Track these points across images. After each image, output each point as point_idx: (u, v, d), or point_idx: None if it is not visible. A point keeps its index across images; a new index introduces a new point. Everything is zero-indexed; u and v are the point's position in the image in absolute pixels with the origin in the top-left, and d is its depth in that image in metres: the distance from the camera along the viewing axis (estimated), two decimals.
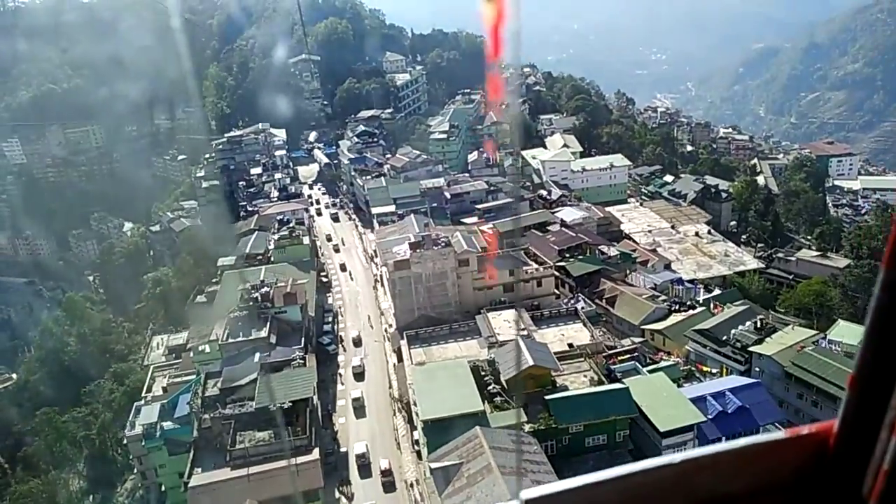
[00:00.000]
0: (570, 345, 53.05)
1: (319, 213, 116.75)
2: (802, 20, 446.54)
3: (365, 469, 51.96)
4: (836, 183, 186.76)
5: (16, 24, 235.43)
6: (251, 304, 61.30)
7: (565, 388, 46.10)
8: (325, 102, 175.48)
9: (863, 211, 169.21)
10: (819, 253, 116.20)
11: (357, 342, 71.37)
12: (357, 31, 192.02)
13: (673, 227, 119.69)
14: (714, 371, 56.55)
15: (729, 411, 43.94)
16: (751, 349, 56.58)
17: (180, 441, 50.69)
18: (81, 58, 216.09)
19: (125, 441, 58.91)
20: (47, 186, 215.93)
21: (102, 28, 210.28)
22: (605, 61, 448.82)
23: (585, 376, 47.87)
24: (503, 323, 56.35)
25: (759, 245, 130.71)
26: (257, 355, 54.31)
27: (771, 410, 46.79)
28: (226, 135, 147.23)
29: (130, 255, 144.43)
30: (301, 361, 54.94)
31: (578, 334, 55.46)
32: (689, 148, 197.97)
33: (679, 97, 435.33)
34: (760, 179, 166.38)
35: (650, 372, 50.85)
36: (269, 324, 59.67)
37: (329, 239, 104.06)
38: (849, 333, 71.46)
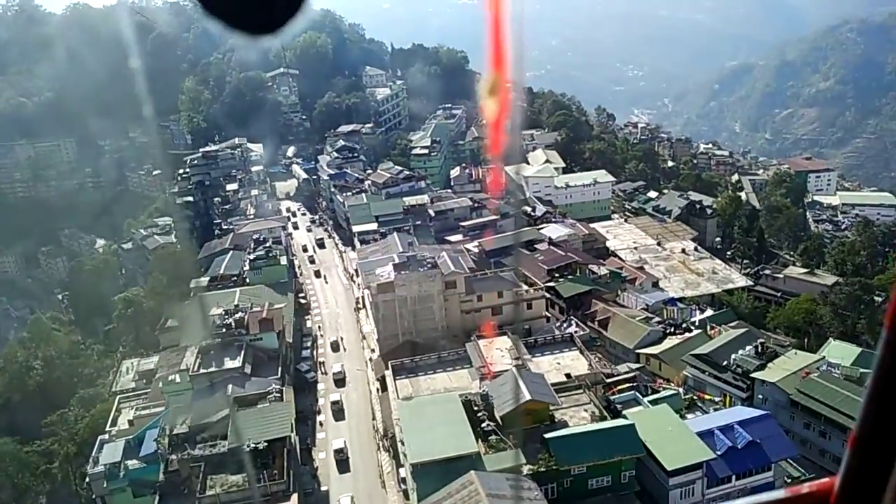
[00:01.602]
0: (568, 375, 49.86)
1: (297, 229, 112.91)
2: (774, 39, 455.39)
3: None
4: (816, 198, 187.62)
5: None
6: (224, 331, 57.43)
7: (565, 424, 42.92)
8: (304, 117, 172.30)
9: (843, 226, 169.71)
10: (806, 270, 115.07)
11: (339, 378, 66.94)
12: (336, 46, 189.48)
13: (659, 243, 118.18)
14: (717, 399, 53.84)
15: (739, 446, 41.11)
16: (753, 375, 54.02)
17: (146, 482, 46.54)
18: (54, 71, 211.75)
19: (87, 479, 54.48)
20: (16, 202, 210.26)
21: (76, 41, 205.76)
22: (583, 77, 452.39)
23: (586, 410, 44.70)
24: (495, 351, 53.06)
25: (745, 261, 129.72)
26: (230, 388, 50.43)
27: (783, 445, 44.01)
28: (201, 150, 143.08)
29: (101, 274, 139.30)
30: (278, 395, 51.08)
31: (575, 363, 52.32)
32: (671, 163, 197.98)
33: (656, 113, 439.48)
34: (742, 195, 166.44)
35: (651, 402, 47.96)
36: (243, 352, 55.74)
37: (311, 261, 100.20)
38: (842, 353, 69.57)
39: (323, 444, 56.81)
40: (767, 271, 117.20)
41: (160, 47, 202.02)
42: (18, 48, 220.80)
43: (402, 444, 42.02)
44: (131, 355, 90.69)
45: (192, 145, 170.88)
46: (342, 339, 73.98)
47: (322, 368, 68.67)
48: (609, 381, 51.10)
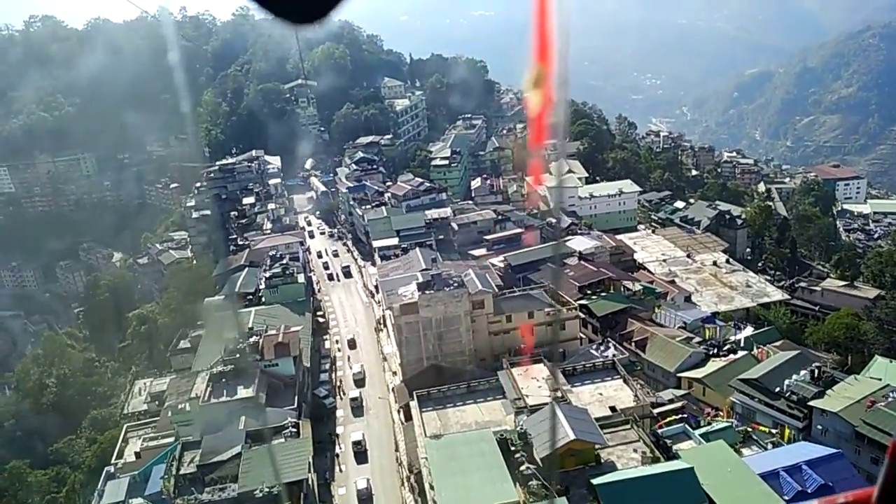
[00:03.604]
0: (613, 408, 45.56)
1: (318, 254, 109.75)
2: (794, 46, 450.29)
3: None
4: (845, 206, 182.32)
5: (7, 52, 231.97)
6: (238, 356, 53.90)
7: (613, 466, 38.65)
8: (322, 129, 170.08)
9: (875, 235, 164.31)
10: (845, 283, 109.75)
11: (357, 406, 63.03)
12: (354, 57, 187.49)
13: (689, 255, 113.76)
14: (774, 431, 49.26)
15: (809, 490, 36.64)
16: (811, 404, 49.41)
17: None
18: (74, 85, 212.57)
19: None
20: (35, 216, 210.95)
21: (95, 55, 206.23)
22: (600, 86, 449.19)
23: (635, 450, 40.37)
24: (530, 381, 48.91)
25: (777, 273, 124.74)
26: (243, 420, 46.80)
27: (858, 488, 39.27)
28: (218, 162, 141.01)
29: (116, 289, 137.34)
30: (294, 430, 47.29)
31: (619, 393, 47.97)
32: (694, 172, 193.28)
33: (675, 122, 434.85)
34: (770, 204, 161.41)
35: (703, 436, 43.56)
36: (257, 380, 52.19)
37: (330, 278, 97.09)
38: (887, 370, 64.69)
39: (342, 477, 52.96)
40: (803, 284, 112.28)
41: (180, 60, 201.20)
42: (40, 63, 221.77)
43: (432, 489, 37.98)
44: (144, 375, 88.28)
45: (209, 158, 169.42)
46: (363, 366, 70.01)
47: (341, 393, 64.86)
48: (656, 411, 46.72)
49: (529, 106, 4.13)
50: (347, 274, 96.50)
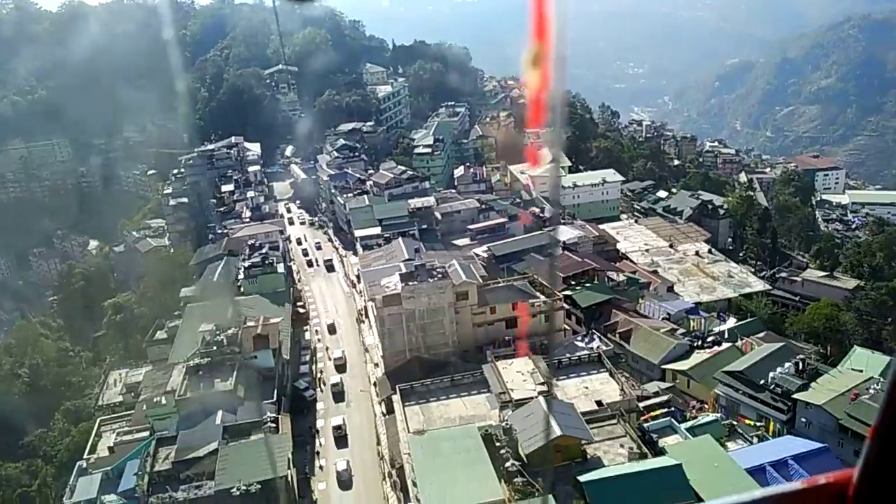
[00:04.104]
0: (599, 402, 44.94)
1: (298, 241, 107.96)
2: (775, 36, 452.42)
3: None
4: (824, 197, 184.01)
5: None
6: (215, 349, 52.46)
7: (599, 462, 38.06)
8: (303, 115, 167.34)
9: (853, 226, 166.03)
10: (825, 273, 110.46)
11: (338, 394, 62.04)
12: (336, 42, 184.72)
13: (671, 245, 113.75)
14: (759, 424, 48.99)
15: None
16: (795, 397, 49.22)
17: None
18: (48, 69, 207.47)
19: None
20: (8, 202, 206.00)
21: (71, 39, 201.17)
22: (583, 75, 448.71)
23: (622, 445, 39.79)
24: (515, 374, 48.09)
25: (758, 263, 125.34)
26: (220, 414, 45.51)
27: None
28: (196, 149, 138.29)
29: (92, 277, 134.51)
30: (273, 425, 46.10)
31: (605, 387, 47.34)
32: (676, 162, 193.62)
33: (656, 111, 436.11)
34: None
35: (688, 430, 43.13)
36: (235, 373, 50.86)
37: (309, 264, 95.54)
38: (866, 361, 64.92)
39: (323, 471, 51.89)
40: (784, 274, 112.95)
41: (157, 44, 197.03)
42: (13, 46, 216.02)
43: (415, 486, 37.11)
44: (119, 366, 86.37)
45: (188, 144, 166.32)
46: (344, 351, 69.09)
47: (321, 386, 63.71)
48: (642, 404, 46.14)
49: (527, 86, 3.97)
50: (330, 268, 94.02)
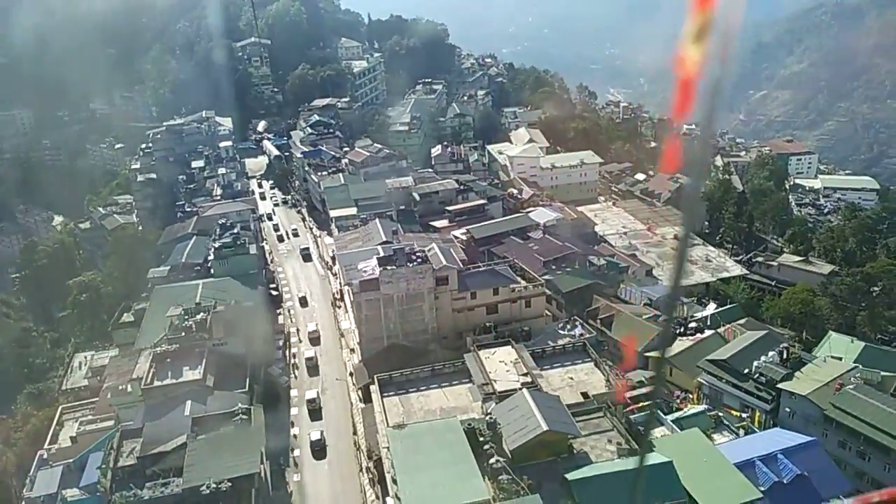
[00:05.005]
0: (585, 394, 43.65)
1: (270, 217, 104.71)
2: (749, 19, 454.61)
3: None
4: (797, 181, 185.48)
5: None
6: (183, 334, 50.01)
7: (586, 457, 36.73)
8: (276, 89, 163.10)
9: (825, 210, 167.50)
10: (801, 258, 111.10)
11: (313, 402, 58.50)
12: (311, 16, 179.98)
13: (649, 228, 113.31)
14: (744, 416, 48.31)
15: (785, 481, 35.57)
16: (780, 386, 48.60)
17: None
18: (7, 36, 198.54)
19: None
20: None
21: (33, 5, 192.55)
22: (560, 55, 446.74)
23: (610, 441, 38.53)
24: (499, 364, 46.52)
25: (734, 247, 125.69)
26: (189, 405, 43.29)
27: (834, 478, 38.49)
28: (165, 123, 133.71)
29: (56, 255, 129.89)
30: (245, 416, 43.98)
31: (590, 377, 46.06)
32: (653, 144, 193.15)
33: (632, 92, 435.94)
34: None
35: (675, 422, 42.14)
36: (205, 360, 48.48)
37: (279, 239, 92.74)
38: (843, 347, 64.94)
39: (297, 460, 50.03)
40: (760, 259, 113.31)
41: (125, 13, 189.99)
42: None
43: (395, 483, 35.49)
44: (85, 347, 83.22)
45: (157, 118, 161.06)
46: (317, 325, 67.46)
47: (295, 372, 61.63)
48: (628, 395, 45.02)
49: (683, 65, 3.39)
50: (307, 258, 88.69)
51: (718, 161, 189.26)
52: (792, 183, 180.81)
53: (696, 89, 3.58)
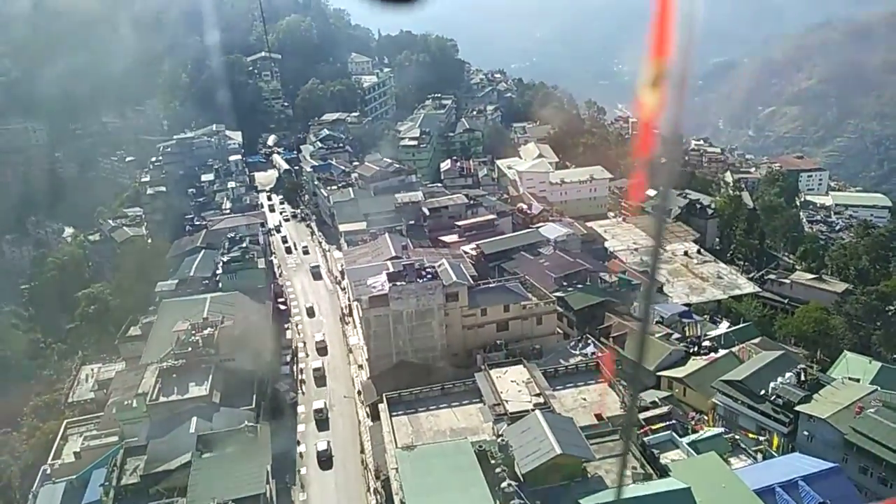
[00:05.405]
0: (598, 416, 42.71)
1: (278, 230, 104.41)
2: (759, 36, 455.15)
3: None
4: (808, 198, 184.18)
5: None
6: (190, 349, 49.43)
7: (600, 481, 35.70)
8: (286, 104, 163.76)
9: (837, 227, 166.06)
10: (814, 276, 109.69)
11: (320, 412, 57.96)
12: (321, 31, 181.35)
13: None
14: (762, 438, 47.14)
15: None
16: (798, 409, 47.43)
17: None
18: (23, 49, 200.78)
19: None
20: None
21: (47, 19, 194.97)
22: (569, 70, 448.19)
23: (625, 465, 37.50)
24: (510, 384, 45.65)
25: (745, 264, 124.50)
26: (194, 422, 42.65)
27: None
28: (176, 136, 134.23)
29: (66, 266, 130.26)
30: (251, 434, 43.30)
31: (604, 398, 45.17)
32: (663, 160, 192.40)
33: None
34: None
35: (691, 445, 41.08)
36: (211, 376, 47.87)
37: (288, 251, 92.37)
38: (859, 367, 63.56)
39: (304, 479, 49.10)
40: (772, 276, 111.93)
41: (136, 27, 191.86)
42: None
43: None
44: (92, 360, 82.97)
45: (167, 132, 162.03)
46: (327, 352, 66.47)
47: (302, 388, 60.86)
48: (642, 416, 43.96)
49: (642, 108, 3.68)
50: (317, 276, 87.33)
51: (729, 177, 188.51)
52: (803, 199, 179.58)
53: (655, 130, 3.74)
